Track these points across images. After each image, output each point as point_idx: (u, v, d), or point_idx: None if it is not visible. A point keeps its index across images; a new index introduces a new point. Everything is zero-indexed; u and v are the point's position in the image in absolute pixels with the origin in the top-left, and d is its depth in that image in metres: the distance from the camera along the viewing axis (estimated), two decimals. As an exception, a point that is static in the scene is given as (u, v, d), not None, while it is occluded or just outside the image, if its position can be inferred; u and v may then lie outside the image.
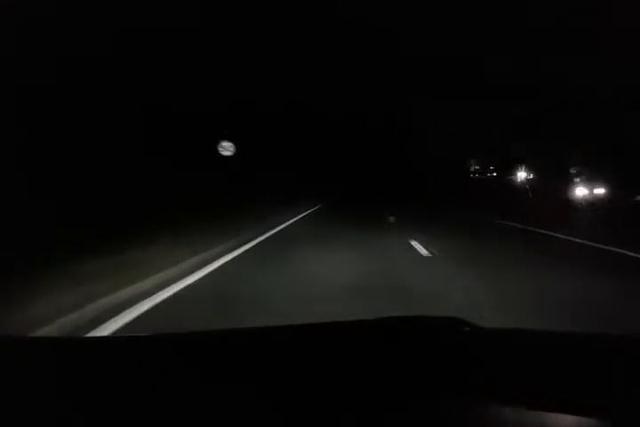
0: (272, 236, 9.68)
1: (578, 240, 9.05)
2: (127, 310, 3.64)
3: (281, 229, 11.16)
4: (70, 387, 0.86)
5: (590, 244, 8.49)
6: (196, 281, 4.92)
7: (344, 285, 4.53)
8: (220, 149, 15.08)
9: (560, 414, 0.75)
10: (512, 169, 44.38)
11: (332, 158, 45.72)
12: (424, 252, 7.23)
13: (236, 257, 6.63)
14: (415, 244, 8.14)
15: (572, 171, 31.03)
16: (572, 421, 0.74)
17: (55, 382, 0.89)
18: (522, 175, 42.90)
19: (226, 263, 6.08)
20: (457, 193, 34.20)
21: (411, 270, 5.74)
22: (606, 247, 7.86)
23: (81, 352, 1.08)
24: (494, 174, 54.83)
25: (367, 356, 1.03)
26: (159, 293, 4.27)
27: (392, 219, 14.09)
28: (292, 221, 13.99)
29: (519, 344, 1.17)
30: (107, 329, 3.18)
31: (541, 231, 11.05)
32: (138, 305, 3.81)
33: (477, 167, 59.52)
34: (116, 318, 3.44)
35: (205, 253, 6.47)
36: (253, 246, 7.84)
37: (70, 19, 9.25)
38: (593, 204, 23.85)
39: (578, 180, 30.62)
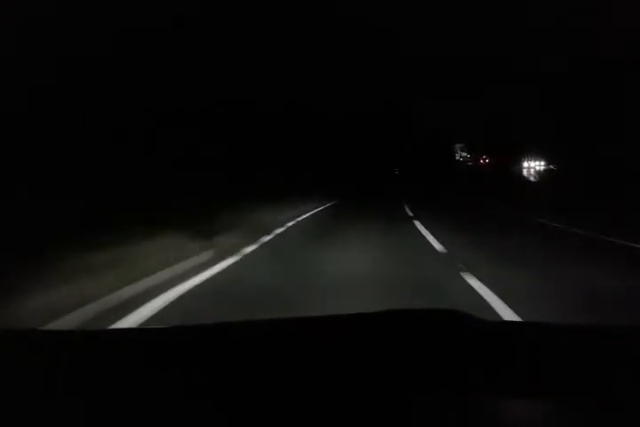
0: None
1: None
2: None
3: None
4: (79, 382, 0.86)
5: None
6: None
7: None
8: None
9: (562, 412, 0.74)
10: (514, 156, 39.25)
11: (331, 158, 45.66)
12: None
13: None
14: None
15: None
16: (574, 419, 0.73)
17: (64, 377, 0.87)
18: (530, 165, 37.82)
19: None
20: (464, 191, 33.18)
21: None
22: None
23: (91, 346, 1.07)
24: (483, 161, 51.46)
25: (362, 351, 1.01)
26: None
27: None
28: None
29: (522, 339, 1.14)
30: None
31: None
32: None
33: (465, 154, 55.97)
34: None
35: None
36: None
37: (70, 19, 9.24)
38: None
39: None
